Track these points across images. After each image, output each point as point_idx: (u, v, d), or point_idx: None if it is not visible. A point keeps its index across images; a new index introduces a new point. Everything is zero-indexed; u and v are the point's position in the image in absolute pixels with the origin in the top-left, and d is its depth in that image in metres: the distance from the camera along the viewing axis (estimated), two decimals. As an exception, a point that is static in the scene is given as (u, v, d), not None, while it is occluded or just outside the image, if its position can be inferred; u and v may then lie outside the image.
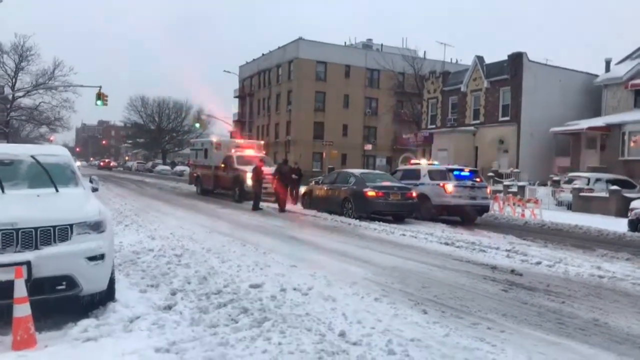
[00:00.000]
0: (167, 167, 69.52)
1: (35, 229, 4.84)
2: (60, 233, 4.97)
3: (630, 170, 26.15)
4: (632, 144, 27.30)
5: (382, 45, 59.88)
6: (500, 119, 33.56)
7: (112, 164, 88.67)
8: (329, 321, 5.25)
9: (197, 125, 54.05)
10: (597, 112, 31.53)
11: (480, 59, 35.19)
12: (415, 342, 4.75)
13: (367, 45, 60.50)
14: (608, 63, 32.64)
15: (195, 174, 26.82)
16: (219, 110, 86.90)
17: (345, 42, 60.53)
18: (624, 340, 5.13)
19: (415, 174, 17.70)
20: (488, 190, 18.11)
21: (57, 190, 5.76)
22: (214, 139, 27.28)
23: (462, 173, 17.09)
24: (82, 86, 40.79)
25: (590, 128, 28.78)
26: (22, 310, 4.40)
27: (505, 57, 33.41)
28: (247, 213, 17.08)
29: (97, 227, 5.29)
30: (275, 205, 19.04)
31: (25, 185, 5.88)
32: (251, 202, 19.04)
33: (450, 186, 16.31)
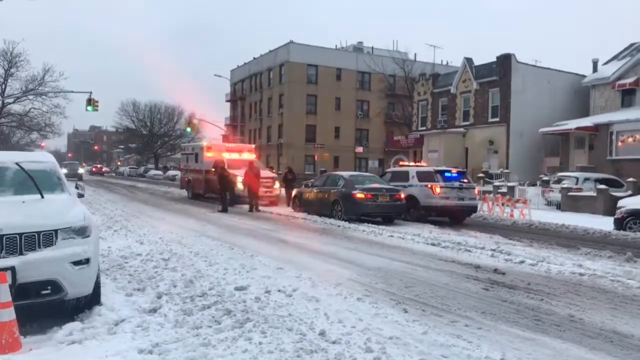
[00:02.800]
0: (159, 172, 69.49)
1: (20, 234, 4.92)
2: (45, 238, 5.05)
3: (618, 169, 26.43)
4: (619, 144, 27.60)
5: (372, 48, 60.19)
6: (490, 120, 33.85)
7: (104, 169, 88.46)
8: (310, 321, 5.36)
9: (189, 129, 54.04)
10: (585, 112, 31.86)
11: (469, 60, 35.47)
12: (393, 340, 4.86)
13: (358, 48, 60.75)
14: (595, 63, 32.98)
15: (186, 179, 26.87)
16: (211, 114, 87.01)
17: (336, 45, 60.81)
18: (597, 335, 5.28)
19: (404, 176, 17.85)
20: (476, 191, 18.29)
21: (42, 197, 5.84)
22: (205, 143, 27.36)
23: (450, 174, 17.26)
24: (72, 92, 40.68)
25: (578, 128, 29.08)
26: (7, 314, 4.48)
27: (494, 59, 33.70)
28: (236, 217, 17.17)
29: (82, 232, 5.37)
30: (266, 208, 19.57)
31: (10, 192, 5.95)
32: (244, 206, 19.64)
33: (438, 187, 16.48)
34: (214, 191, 23.26)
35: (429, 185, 16.64)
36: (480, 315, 5.86)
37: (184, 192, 27.47)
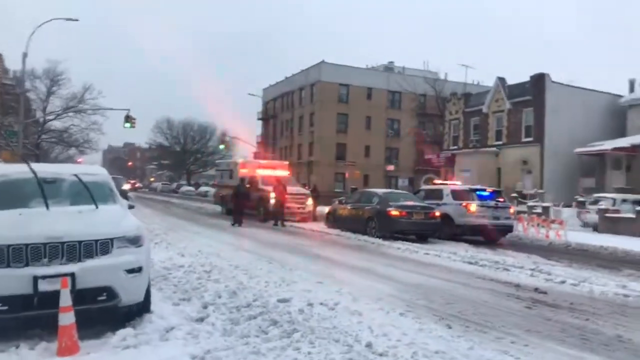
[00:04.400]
0: (192, 188, 70.54)
1: (79, 242, 5.13)
2: (101, 247, 5.26)
3: (657, 191, 25.78)
4: (658, 165, 26.97)
5: (403, 67, 60.38)
6: (523, 139, 33.48)
7: (137, 185, 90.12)
8: (355, 333, 5.42)
9: (222, 146, 54.90)
10: (621, 133, 31.25)
11: (502, 80, 35.28)
12: (440, 354, 4.89)
13: (389, 68, 61.05)
14: (632, 83, 32.44)
15: (220, 194, 27.26)
16: (243, 132, 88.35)
17: (367, 65, 61.21)
18: (648, 355, 5.20)
19: (438, 194, 17.83)
20: (511, 210, 18.10)
21: (96, 207, 6.06)
22: (239, 160, 27.77)
23: (485, 193, 17.16)
24: (111, 109, 41.80)
25: (615, 149, 28.53)
26: (67, 318, 4.68)
27: (527, 78, 33.45)
28: (271, 232, 17.36)
29: (135, 241, 5.58)
30: (299, 224, 19.78)
31: (67, 202, 6.19)
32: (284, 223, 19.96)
33: (473, 206, 16.38)
34: (247, 207, 23.54)
35: (464, 204, 16.56)
36: (525, 333, 5.83)
37: (217, 208, 27.86)
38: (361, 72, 55.94)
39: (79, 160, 71.27)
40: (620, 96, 32.73)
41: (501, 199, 17.47)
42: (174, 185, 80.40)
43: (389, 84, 54.30)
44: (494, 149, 35.43)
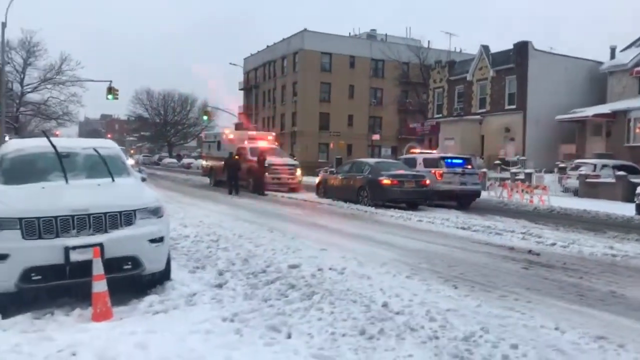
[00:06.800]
0: (174, 160, 70.08)
1: (105, 214, 5.33)
2: (125, 218, 5.47)
3: (635, 156, 26.49)
4: (637, 130, 27.64)
5: (386, 35, 60.11)
6: (506, 107, 33.94)
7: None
8: (369, 295, 5.75)
9: (205, 117, 54.31)
10: (602, 99, 31.86)
11: (485, 48, 35.49)
12: (451, 312, 5.24)
13: (371, 36, 60.72)
14: (613, 50, 32.90)
15: (208, 166, 27.32)
16: (225, 102, 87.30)
17: (349, 33, 60.78)
18: (641, 308, 5.64)
19: (412, 162, 18.51)
20: (479, 176, 18.82)
21: (113, 180, 6.23)
22: (227, 131, 27.78)
23: (453, 160, 17.85)
24: (91, 80, 41.16)
25: (595, 115, 29.13)
26: (100, 286, 4.91)
27: (510, 46, 33.71)
28: (265, 202, 17.62)
29: (156, 212, 5.81)
30: (290, 195, 20.10)
31: (83, 176, 6.32)
32: (265, 192, 20.23)
33: (440, 173, 17.04)
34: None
35: (433, 171, 17.19)
36: (526, 291, 6.22)
37: (205, 180, 27.94)
38: (344, 41, 55.61)
39: (57, 132, 70.08)
40: (601, 63, 33.21)
41: (469, 166, 18.20)
42: (156, 157, 79.76)
43: (372, 52, 54.14)
44: (478, 117, 35.86)
